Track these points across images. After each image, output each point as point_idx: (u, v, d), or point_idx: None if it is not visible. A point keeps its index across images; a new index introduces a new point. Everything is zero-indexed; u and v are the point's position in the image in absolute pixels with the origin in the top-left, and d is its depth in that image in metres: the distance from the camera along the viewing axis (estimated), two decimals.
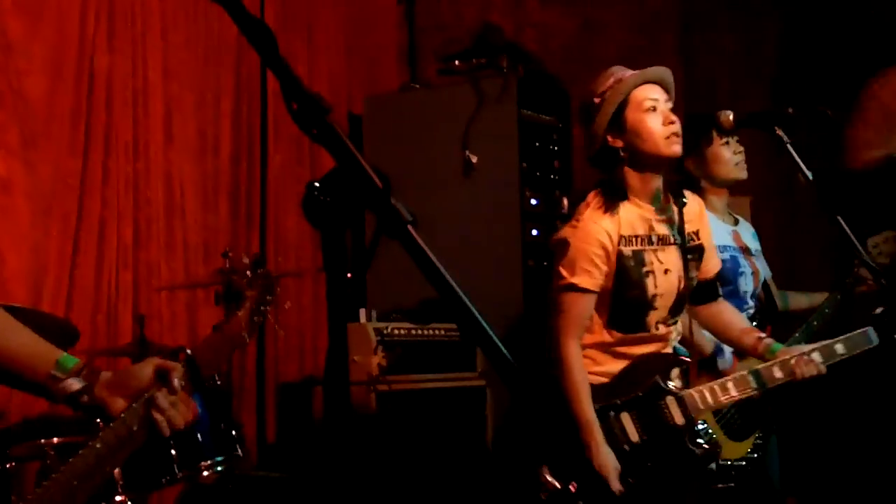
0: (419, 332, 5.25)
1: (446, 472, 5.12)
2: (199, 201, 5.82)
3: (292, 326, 6.18)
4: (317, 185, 1.27)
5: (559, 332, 3.44)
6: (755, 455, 4.14)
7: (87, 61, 5.29)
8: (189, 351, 2.05)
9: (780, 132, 3.48)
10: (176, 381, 2.01)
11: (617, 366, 3.51)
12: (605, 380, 3.48)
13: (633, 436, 3.42)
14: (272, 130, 5.98)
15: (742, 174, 4.29)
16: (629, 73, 3.52)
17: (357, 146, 5.23)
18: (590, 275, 3.42)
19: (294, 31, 6.43)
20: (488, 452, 5.39)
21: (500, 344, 1.24)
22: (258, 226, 5.99)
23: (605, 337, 3.51)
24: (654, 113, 3.44)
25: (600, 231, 3.42)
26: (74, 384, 2.03)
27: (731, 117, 3.64)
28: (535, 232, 5.91)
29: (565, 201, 6.11)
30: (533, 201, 5.93)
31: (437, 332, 5.21)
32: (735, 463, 4.08)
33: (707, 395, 3.47)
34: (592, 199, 3.51)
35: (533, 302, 5.78)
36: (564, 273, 3.45)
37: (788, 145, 3.47)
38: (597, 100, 3.49)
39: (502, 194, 5.88)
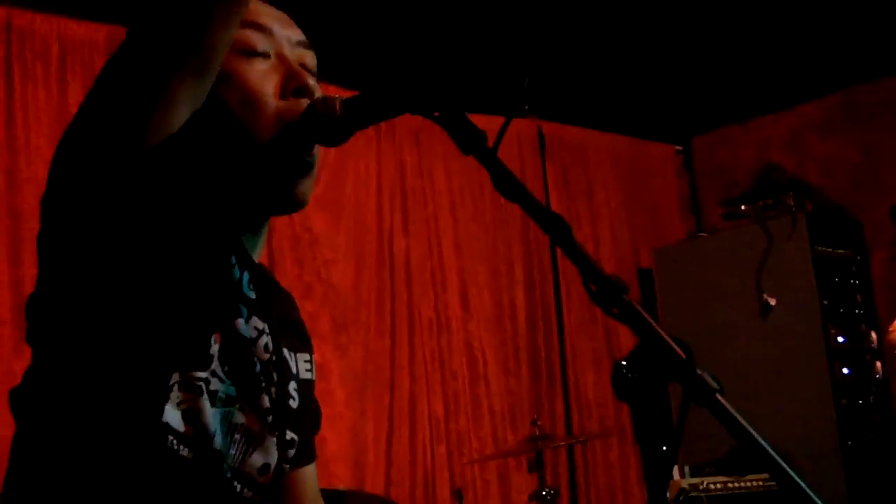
0: (736, 484, 5.10)
1: None
2: (501, 368, 5.96)
3: (602, 485, 6.15)
4: (623, 363, 1.30)
5: None
6: None
7: (387, 246, 5.61)
8: None
9: None
10: None
11: None
12: None
13: None
14: (564, 290, 6.09)
15: None
16: None
17: (649, 298, 5.24)
18: None
19: (575, 191, 6.59)
20: None
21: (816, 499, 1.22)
22: (560, 387, 6.06)
23: None
24: None
25: None
26: None
27: None
28: (845, 370, 5.70)
29: (873, 335, 5.89)
30: (839, 339, 5.74)
31: (755, 483, 5.05)
32: None
33: None
34: None
35: (850, 442, 5.55)
36: None
37: None
38: None
39: (804, 333, 5.72)
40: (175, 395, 1.35)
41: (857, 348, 5.85)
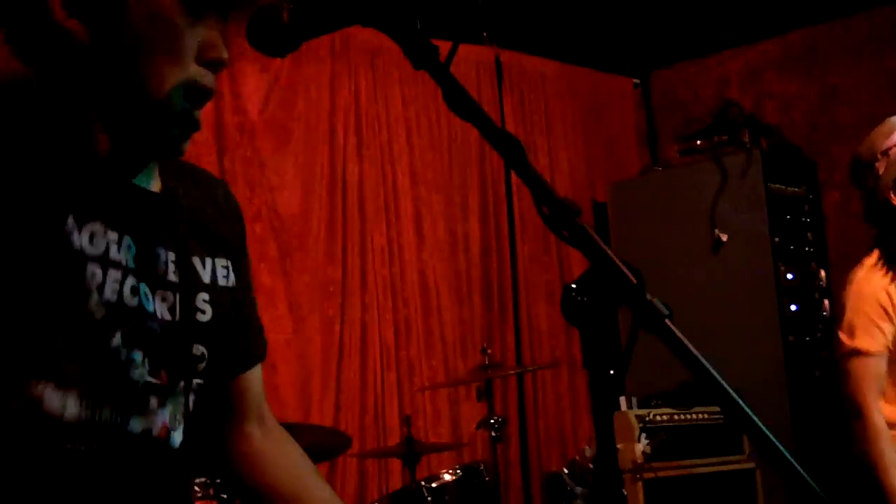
0: (682, 416, 5.16)
1: None
2: (454, 298, 5.95)
3: (551, 415, 6.20)
4: (573, 286, 1.27)
5: (856, 403, 3.22)
6: None
7: (340, 171, 5.54)
8: None
9: None
10: None
11: None
12: None
13: None
14: (518, 222, 6.07)
15: None
16: None
17: (603, 232, 5.22)
18: (872, 336, 3.22)
19: (533, 123, 6.55)
20: None
21: (765, 429, 1.21)
22: (511, 317, 6.07)
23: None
24: None
25: (876, 290, 3.23)
26: None
27: None
28: (793, 307, 5.76)
29: (822, 274, 5.94)
30: (789, 276, 5.79)
31: (700, 415, 5.11)
32: None
33: None
34: (867, 260, 3.32)
35: (796, 378, 5.62)
36: (844, 339, 3.27)
37: None
38: (879, 157, 3.31)
39: (755, 270, 5.77)
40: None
41: (806, 286, 5.90)
